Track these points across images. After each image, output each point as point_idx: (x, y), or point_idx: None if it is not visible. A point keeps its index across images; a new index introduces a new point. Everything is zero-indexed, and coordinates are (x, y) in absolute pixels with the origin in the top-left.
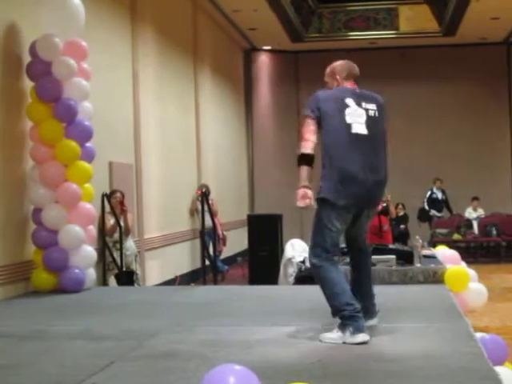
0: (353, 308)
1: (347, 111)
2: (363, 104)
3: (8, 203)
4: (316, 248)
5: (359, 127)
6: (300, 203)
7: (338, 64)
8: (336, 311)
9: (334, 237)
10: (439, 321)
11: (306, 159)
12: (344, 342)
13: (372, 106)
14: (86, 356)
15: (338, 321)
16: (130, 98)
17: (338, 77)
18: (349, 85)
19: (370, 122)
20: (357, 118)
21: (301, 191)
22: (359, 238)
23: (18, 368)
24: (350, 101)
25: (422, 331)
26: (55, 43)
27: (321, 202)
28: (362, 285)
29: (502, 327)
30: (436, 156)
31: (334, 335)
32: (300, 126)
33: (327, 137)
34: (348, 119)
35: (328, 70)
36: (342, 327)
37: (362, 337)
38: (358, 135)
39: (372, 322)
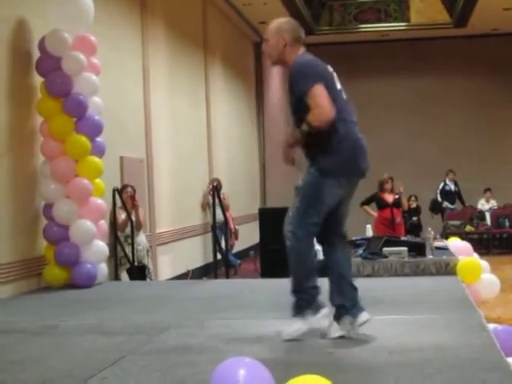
0: (316, 292)
1: (334, 77)
2: (329, 67)
3: (19, 199)
4: (306, 219)
5: (343, 92)
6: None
7: (284, 22)
8: (299, 291)
9: (323, 214)
10: (451, 312)
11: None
12: (309, 328)
13: (332, 69)
14: (97, 351)
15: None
16: (141, 93)
17: (285, 36)
18: (301, 49)
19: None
20: (338, 83)
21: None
22: (344, 221)
23: (29, 363)
24: (327, 66)
25: (434, 323)
26: (64, 38)
27: (319, 172)
28: (344, 276)
29: None
30: (448, 148)
31: (297, 325)
32: (309, 98)
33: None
34: (338, 85)
35: (273, 26)
36: (300, 310)
37: (325, 310)
38: (346, 101)
39: (366, 317)
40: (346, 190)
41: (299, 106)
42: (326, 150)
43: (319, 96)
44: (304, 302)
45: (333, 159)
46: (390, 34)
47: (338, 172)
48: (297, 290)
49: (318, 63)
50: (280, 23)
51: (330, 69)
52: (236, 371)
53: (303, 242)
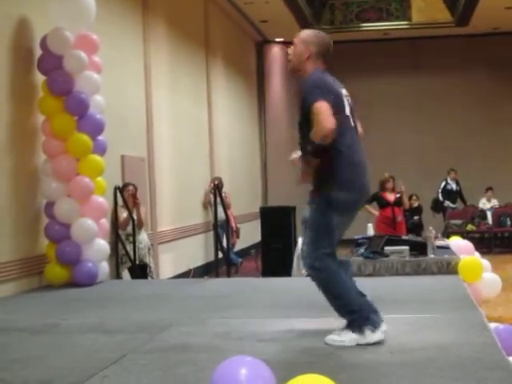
0: (368, 305)
1: (345, 101)
2: (343, 90)
3: (21, 197)
4: (319, 250)
5: (351, 119)
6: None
7: (316, 34)
8: (351, 313)
9: (338, 237)
10: (453, 311)
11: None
12: (358, 344)
13: (346, 92)
14: (98, 349)
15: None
16: (142, 91)
17: (312, 48)
18: (322, 65)
19: (351, 110)
20: (348, 109)
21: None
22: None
23: (30, 362)
24: (341, 89)
25: (436, 322)
26: (66, 37)
27: (324, 202)
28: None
29: None
30: (449, 147)
31: (347, 337)
32: (313, 113)
33: (338, 128)
34: (347, 111)
35: (305, 34)
36: (359, 328)
37: (383, 327)
38: (353, 128)
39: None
40: (350, 216)
41: (304, 122)
42: (328, 178)
43: (320, 112)
44: (359, 320)
45: (336, 191)
46: (391, 33)
47: (340, 205)
48: (347, 312)
49: (330, 82)
50: (311, 34)
51: (344, 92)
52: (237, 370)
53: (323, 271)
